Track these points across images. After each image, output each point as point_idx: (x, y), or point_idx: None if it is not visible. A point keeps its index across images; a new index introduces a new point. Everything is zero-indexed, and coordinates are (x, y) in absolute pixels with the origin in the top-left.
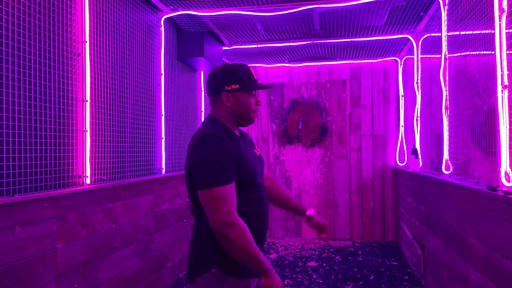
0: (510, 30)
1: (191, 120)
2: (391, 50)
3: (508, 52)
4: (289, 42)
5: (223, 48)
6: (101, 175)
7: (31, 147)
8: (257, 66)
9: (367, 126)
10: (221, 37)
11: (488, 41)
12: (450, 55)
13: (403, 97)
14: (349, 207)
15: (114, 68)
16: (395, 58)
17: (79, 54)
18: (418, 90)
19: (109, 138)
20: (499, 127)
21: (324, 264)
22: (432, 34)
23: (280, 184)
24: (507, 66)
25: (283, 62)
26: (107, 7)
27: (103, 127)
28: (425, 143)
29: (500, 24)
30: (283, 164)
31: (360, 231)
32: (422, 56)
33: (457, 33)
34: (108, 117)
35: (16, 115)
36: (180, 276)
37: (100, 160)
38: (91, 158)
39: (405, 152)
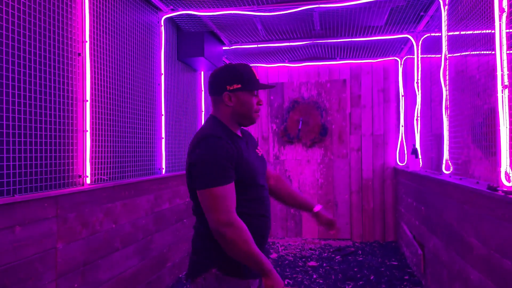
0: (510, 30)
1: (191, 120)
2: (391, 50)
3: (508, 52)
4: (289, 42)
5: (223, 48)
6: (101, 175)
7: (31, 147)
8: (257, 66)
9: (367, 126)
10: (221, 37)
11: (488, 41)
12: (450, 55)
13: (403, 97)
14: (349, 207)
15: (114, 68)
16: (395, 58)
17: (79, 54)
18: (418, 90)
19: (109, 138)
20: (499, 127)
21: (324, 264)
22: (432, 34)
23: (287, 183)
24: (507, 66)
25: (283, 62)
26: (107, 7)
27: (103, 127)
28: (425, 143)
29: (500, 24)
30: (283, 164)
31: (360, 231)
32: (422, 56)
33: (457, 33)
34: (108, 117)
35: (17, 115)
36: (180, 276)
37: (100, 160)
38: (91, 158)
39: (405, 152)
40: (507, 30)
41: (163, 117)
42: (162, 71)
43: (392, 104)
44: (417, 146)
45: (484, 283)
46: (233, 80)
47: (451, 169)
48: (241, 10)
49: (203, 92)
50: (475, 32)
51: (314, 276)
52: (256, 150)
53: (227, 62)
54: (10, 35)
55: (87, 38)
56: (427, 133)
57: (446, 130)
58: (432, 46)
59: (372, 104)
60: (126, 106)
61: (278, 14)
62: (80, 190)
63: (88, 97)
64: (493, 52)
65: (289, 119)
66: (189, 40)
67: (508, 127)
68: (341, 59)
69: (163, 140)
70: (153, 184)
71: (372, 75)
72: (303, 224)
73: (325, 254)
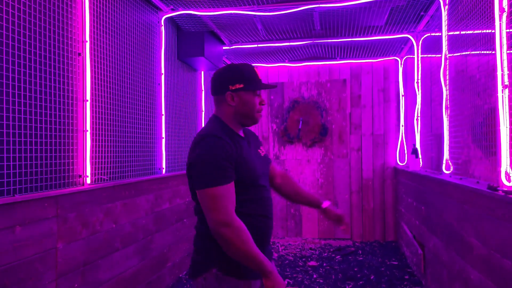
0: (510, 30)
1: (192, 119)
2: (392, 49)
3: (508, 52)
4: (290, 42)
5: (223, 47)
6: (101, 174)
7: (32, 147)
8: (258, 65)
9: (367, 126)
10: (221, 37)
11: (488, 41)
12: (451, 55)
13: (403, 97)
14: (349, 207)
15: (115, 67)
16: (395, 57)
17: (79, 54)
18: (418, 90)
19: (109, 138)
20: (499, 126)
21: (324, 264)
22: (433, 34)
23: (294, 180)
24: (508, 66)
25: (284, 61)
26: (108, 6)
27: (103, 127)
28: (426, 142)
29: (500, 24)
30: (283, 164)
31: (360, 230)
32: (422, 55)
33: (457, 32)
34: (109, 117)
35: (17, 115)
36: (180, 276)
37: (100, 160)
38: (91, 158)
39: (406, 151)
40: (507, 30)
41: (163, 117)
42: (162, 71)
43: (392, 104)
44: (417, 146)
45: (484, 283)
46: (235, 80)
47: (451, 169)
48: (241, 10)
49: (203, 92)
50: (475, 32)
51: (314, 276)
52: (259, 150)
53: (227, 62)
54: (10, 35)
55: (87, 38)
56: (427, 133)
57: (446, 130)
58: (432, 46)
59: (372, 104)
60: (126, 106)
61: (278, 14)
62: (80, 190)
63: (88, 97)
64: (493, 52)
65: (289, 119)
66: (189, 40)
67: (508, 127)
68: (341, 59)
69: (163, 140)
70: (153, 184)
71: (372, 75)
72: (303, 224)
73: (325, 254)
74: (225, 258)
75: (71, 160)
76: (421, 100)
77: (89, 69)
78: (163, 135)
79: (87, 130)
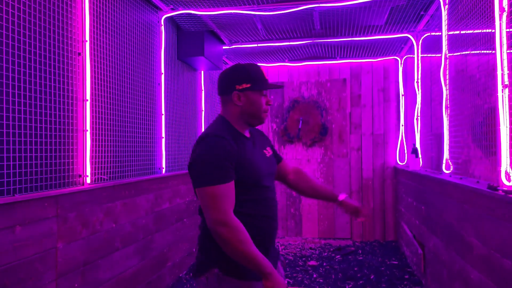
0: (511, 30)
1: (192, 119)
2: (391, 49)
3: (508, 51)
4: (289, 42)
5: (223, 47)
6: (101, 174)
7: (32, 147)
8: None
9: (367, 126)
10: (221, 37)
11: (488, 40)
12: (451, 54)
13: (403, 97)
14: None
15: (114, 67)
16: (395, 57)
17: (79, 54)
18: (418, 90)
19: (109, 138)
20: (499, 126)
21: (324, 263)
22: (433, 34)
23: (308, 174)
24: (508, 66)
25: (283, 61)
26: (107, 6)
27: (103, 127)
28: (425, 142)
29: (500, 24)
30: None
31: (360, 230)
32: (422, 55)
33: (457, 32)
34: (109, 117)
35: (17, 115)
36: (180, 275)
37: (100, 160)
38: (91, 157)
39: (405, 151)
40: (507, 30)
41: (163, 117)
42: (162, 71)
43: (392, 103)
44: (417, 145)
45: (484, 282)
46: (242, 80)
47: (451, 169)
48: (241, 10)
49: (203, 92)
50: (475, 31)
51: (314, 276)
52: (264, 151)
53: (227, 61)
54: (10, 34)
55: (87, 38)
56: (427, 132)
57: (446, 129)
58: (432, 45)
59: (372, 103)
60: (126, 105)
61: (278, 14)
62: (80, 189)
63: (88, 96)
64: (493, 52)
65: (289, 119)
66: (189, 40)
67: (508, 126)
68: (341, 58)
69: (163, 140)
70: (153, 183)
71: (372, 74)
72: (303, 224)
73: (325, 254)
74: (225, 258)
75: (71, 160)
76: (421, 100)
77: (89, 69)
78: (163, 135)
79: (87, 130)
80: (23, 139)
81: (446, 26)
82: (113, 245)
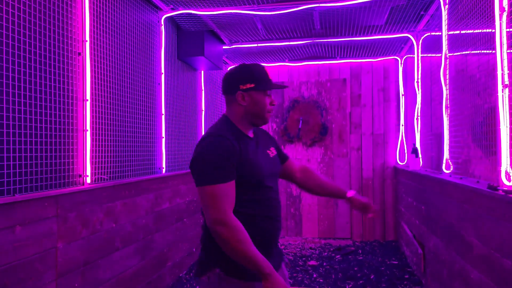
0: (511, 29)
1: (192, 119)
2: (392, 49)
3: (508, 51)
4: (289, 41)
5: (224, 47)
6: (101, 174)
7: (32, 147)
8: None
9: (368, 125)
10: (221, 36)
11: (488, 40)
12: (451, 54)
13: (403, 96)
14: (349, 206)
15: (115, 67)
16: (395, 57)
17: (79, 53)
18: (418, 89)
19: (109, 138)
20: (499, 126)
21: (324, 263)
22: (433, 33)
23: (315, 172)
24: (508, 65)
25: (283, 61)
26: (108, 6)
27: (103, 127)
28: (426, 142)
29: (500, 23)
30: None
31: (360, 230)
32: (422, 55)
33: (457, 32)
34: (109, 117)
35: (17, 115)
36: (180, 275)
37: (100, 160)
38: (91, 157)
39: (406, 151)
40: (508, 29)
41: (163, 117)
42: (162, 70)
43: (392, 103)
44: (417, 145)
45: (484, 282)
46: (246, 80)
47: (451, 169)
48: (241, 10)
49: (203, 91)
50: (476, 31)
51: (314, 275)
52: (268, 151)
53: (227, 61)
54: (10, 34)
55: (87, 38)
56: (427, 132)
57: (446, 129)
58: (432, 45)
59: (372, 103)
60: (126, 105)
61: (278, 13)
62: (80, 189)
63: (88, 96)
64: (493, 51)
65: (289, 118)
66: (189, 39)
67: (508, 126)
68: (341, 58)
69: (163, 140)
70: (153, 183)
71: (372, 74)
72: (303, 224)
73: (325, 253)
74: (226, 258)
75: (71, 160)
76: (421, 100)
77: (89, 68)
78: (163, 135)
79: (87, 130)
80: (23, 139)
81: (446, 26)
82: (113, 245)
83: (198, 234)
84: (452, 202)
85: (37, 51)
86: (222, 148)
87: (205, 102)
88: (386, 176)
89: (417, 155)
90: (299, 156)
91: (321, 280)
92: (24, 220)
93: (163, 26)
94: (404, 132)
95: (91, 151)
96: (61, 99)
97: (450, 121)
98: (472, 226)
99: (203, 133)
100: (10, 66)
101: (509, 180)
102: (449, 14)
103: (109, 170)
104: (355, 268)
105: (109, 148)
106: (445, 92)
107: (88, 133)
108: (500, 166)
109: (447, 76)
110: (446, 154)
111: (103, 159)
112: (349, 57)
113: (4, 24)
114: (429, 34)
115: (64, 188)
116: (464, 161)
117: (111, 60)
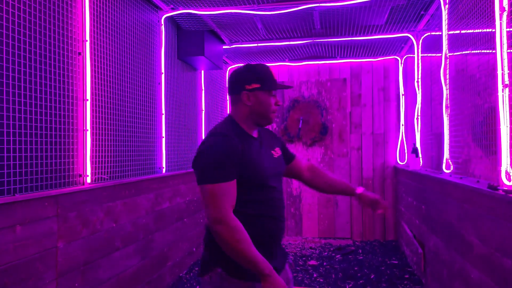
0: (511, 29)
1: (192, 119)
2: (392, 49)
3: (508, 51)
4: (290, 41)
5: (224, 47)
6: (101, 174)
7: (32, 146)
8: None
9: (368, 125)
10: (221, 36)
11: (488, 40)
12: (451, 54)
13: (403, 96)
14: (350, 206)
15: (115, 67)
16: (395, 57)
17: (79, 53)
18: (418, 89)
19: (109, 137)
20: (499, 126)
21: (324, 263)
22: (433, 33)
23: (323, 170)
24: (508, 65)
25: (284, 61)
26: (108, 6)
27: (103, 126)
28: (426, 142)
29: (500, 23)
30: None
31: (360, 230)
32: (422, 55)
33: (457, 32)
34: (109, 116)
35: (17, 114)
36: (180, 275)
37: (100, 159)
38: (91, 157)
39: (406, 151)
40: (508, 29)
41: (163, 116)
42: (163, 70)
43: (393, 103)
44: (418, 145)
45: (484, 282)
46: (252, 80)
47: (452, 168)
48: (241, 9)
49: (203, 91)
50: (476, 31)
51: (315, 275)
52: (272, 151)
53: (227, 61)
54: (10, 34)
55: (88, 37)
56: (427, 132)
57: (446, 129)
58: (433, 45)
59: (372, 103)
60: (127, 105)
61: (278, 13)
62: (81, 189)
63: (88, 96)
64: (493, 51)
65: (289, 118)
66: (189, 39)
67: (508, 126)
68: (341, 58)
69: (164, 139)
70: (153, 183)
71: (372, 74)
72: (303, 223)
73: (326, 253)
74: (225, 258)
75: (71, 160)
76: (421, 99)
77: (89, 68)
78: (163, 135)
79: (87, 130)
80: (23, 138)
81: (446, 25)
82: (113, 245)
83: (198, 234)
84: (452, 202)
85: (37, 51)
86: (225, 147)
87: (205, 102)
88: (386, 176)
89: (417, 155)
90: (299, 156)
91: (321, 280)
92: (24, 220)
93: (163, 26)
94: (404, 132)
95: (91, 151)
96: (61, 99)
97: (450, 121)
98: (472, 225)
99: (203, 133)
100: (10, 66)
101: (509, 179)
102: (449, 13)
103: (109, 169)
104: (355, 268)
105: (109, 148)
106: (445, 92)
107: (88, 133)
108: (500, 166)
109: (447, 76)
110: (446, 154)
111: (103, 159)
112: (349, 57)
113: (4, 24)
114: (429, 34)
115: (64, 188)
116: (464, 160)
117: (111, 60)
